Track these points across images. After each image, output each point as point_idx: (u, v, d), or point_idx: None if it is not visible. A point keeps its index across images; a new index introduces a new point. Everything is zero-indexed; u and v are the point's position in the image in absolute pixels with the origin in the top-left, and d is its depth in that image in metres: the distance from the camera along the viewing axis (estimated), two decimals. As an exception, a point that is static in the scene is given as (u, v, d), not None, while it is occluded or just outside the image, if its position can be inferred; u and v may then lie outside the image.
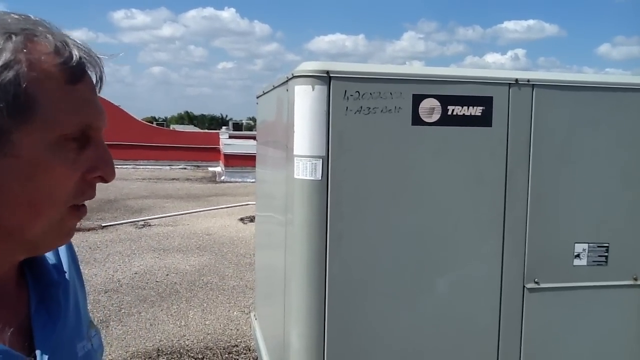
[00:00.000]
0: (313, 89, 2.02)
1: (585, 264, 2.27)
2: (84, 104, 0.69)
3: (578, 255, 2.26)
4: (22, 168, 0.65)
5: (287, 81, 2.21)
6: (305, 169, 2.05)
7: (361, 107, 2.03)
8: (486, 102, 2.12)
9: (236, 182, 15.58)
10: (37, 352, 0.74)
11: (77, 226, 0.74)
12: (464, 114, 2.10)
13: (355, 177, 2.07)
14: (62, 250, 0.88)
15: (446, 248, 2.17)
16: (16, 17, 0.66)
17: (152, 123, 31.37)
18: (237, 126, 40.16)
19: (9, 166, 0.65)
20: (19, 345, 0.73)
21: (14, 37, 0.64)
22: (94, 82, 0.71)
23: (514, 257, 2.20)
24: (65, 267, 0.86)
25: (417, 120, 2.08)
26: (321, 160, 2.04)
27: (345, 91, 2.02)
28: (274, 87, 2.60)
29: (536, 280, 2.23)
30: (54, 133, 0.66)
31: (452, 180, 2.15)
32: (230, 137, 22.96)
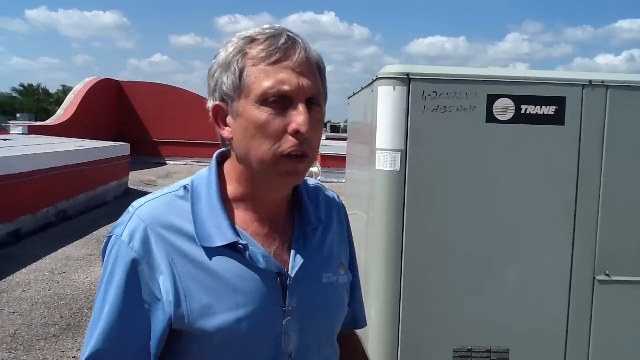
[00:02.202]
0: (394, 90, 2.25)
1: (659, 259, 2.33)
2: (278, 77, 0.98)
3: (651, 251, 2.33)
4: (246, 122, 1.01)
5: (372, 83, 2.46)
6: (386, 161, 2.29)
7: (438, 106, 2.24)
8: (559, 102, 2.25)
9: (332, 182, 16.01)
10: (290, 267, 1.07)
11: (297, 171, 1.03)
12: (537, 113, 2.25)
13: (431, 169, 2.28)
14: (328, 208, 1.22)
15: (517, 238, 2.32)
16: (260, 29, 1.04)
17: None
18: (335, 128, 40.80)
19: (240, 125, 1.02)
20: (280, 258, 1.07)
21: (237, 40, 1.03)
22: (301, 62, 1.00)
23: (585, 250, 2.31)
24: (323, 217, 1.18)
25: (491, 118, 2.25)
26: (400, 153, 2.26)
27: (424, 91, 2.24)
28: (362, 89, 2.85)
29: (607, 272, 2.32)
30: (254, 97, 0.99)
31: (524, 174, 2.30)
32: (328, 138, 23.52)
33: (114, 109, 22.56)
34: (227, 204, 1.07)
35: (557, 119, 2.26)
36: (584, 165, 2.29)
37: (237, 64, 1.00)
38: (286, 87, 0.97)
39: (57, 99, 46.32)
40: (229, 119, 1.05)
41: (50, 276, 6.87)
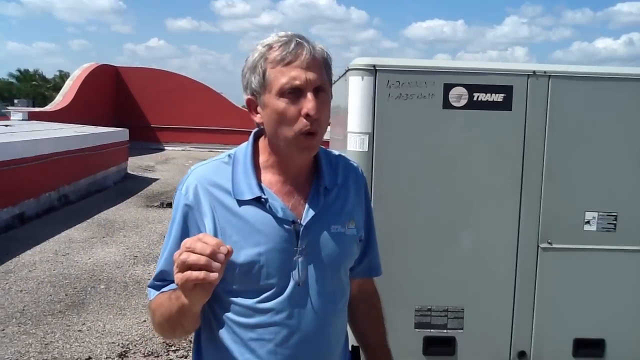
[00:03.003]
0: (363, 79, 2.56)
1: (595, 229, 2.64)
2: (290, 75, 1.34)
3: (588, 222, 2.64)
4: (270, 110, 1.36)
5: (345, 73, 2.76)
6: (355, 143, 2.60)
7: (400, 93, 2.54)
8: (507, 90, 2.56)
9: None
10: (303, 217, 1.43)
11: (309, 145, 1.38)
12: (487, 99, 2.56)
13: (394, 150, 2.59)
14: (346, 174, 1.56)
15: (470, 210, 2.63)
16: (275, 36, 1.39)
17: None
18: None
19: (267, 113, 1.37)
20: (296, 211, 1.43)
21: (260, 47, 1.37)
22: (307, 61, 1.33)
23: (529, 220, 2.63)
24: (339, 181, 1.53)
25: (447, 104, 2.56)
26: (368, 136, 2.57)
27: (388, 81, 2.54)
28: (339, 78, 3.14)
29: (549, 241, 2.64)
30: (275, 91, 1.33)
31: (477, 154, 2.61)
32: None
33: (112, 94, 22.74)
34: (258, 169, 1.44)
35: (505, 105, 2.57)
36: (528, 145, 2.59)
37: (261, 66, 1.36)
38: (297, 82, 1.32)
39: (54, 84, 46.38)
40: (259, 109, 1.41)
41: (54, 257, 7.19)
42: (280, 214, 1.40)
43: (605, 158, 2.63)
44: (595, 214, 2.63)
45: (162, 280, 1.44)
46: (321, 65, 1.38)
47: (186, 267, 1.16)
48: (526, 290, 2.66)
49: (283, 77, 1.33)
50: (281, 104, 1.33)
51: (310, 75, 1.33)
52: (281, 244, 1.39)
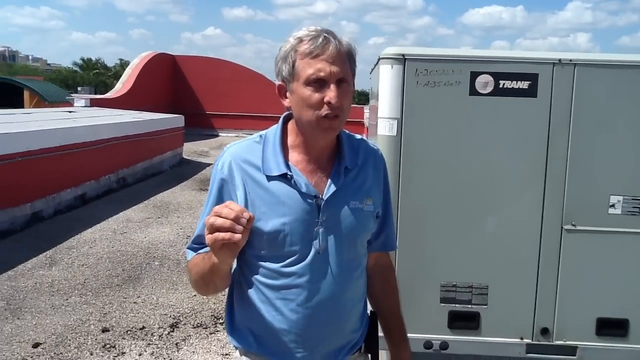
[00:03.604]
0: (392, 68, 2.70)
1: (619, 212, 2.71)
2: (316, 67, 1.53)
3: (613, 205, 2.71)
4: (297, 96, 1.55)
5: (377, 62, 2.91)
6: (385, 127, 2.75)
7: (428, 81, 2.68)
8: (533, 78, 2.65)
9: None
10: (324, 193, 1.62)
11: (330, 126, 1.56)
12: (513, 87, 2.66)
13: (422, 134, 2.73)
14: (366, 156, 1.75)
15: (495, 193, 2.74)
16: (306, 30, 1.58)
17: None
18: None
19: (295, 98, 1.56)
20: (318, 187, 1.63)
21: (292, 40, 1.55)
22: (332, 55, 1.53)
23: (554, 203, 2.72)
24: (360, 162, 1.71)
25: (473, 91, 2.68)
26: (396, 121, 2.72)
27: (416, 69, 2.68)
28: (374, 67, 3.29)
29: (573, 223, 2.73)
30: (302, 80, 1.52)
31: (502, 139, 2.71)
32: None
33: (169, 82, 23.44)
34: (285, 148, 1.65)
35: (531, 92, 2.66)
36: (553, 131, 2.68)
37: (291, 57, 1.56)
38: (322, 74, 1.52)
39: (115, 73, 47.96)
40: (288, 94, 1.61)
41: (112, 235, 7.64)
42: (304, 189, 1.59)
43: (630, 143, 2.68)
44: (621, 198, 2.70)
45: (199, 243, 1.67)
46: (345, 58, 1.56)
47: (214, 229, 1.38)
48: (550, 270, 2.76)
49: (310, 69, 1.52)
50: (307, 91, 1.53)
51: (334, 69, 1.52)
52: (304, 216, 1.59)
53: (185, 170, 13.84)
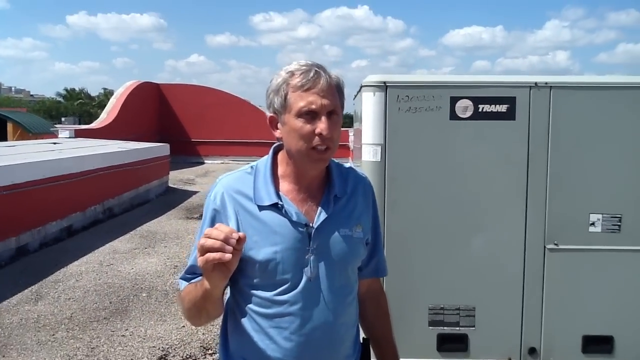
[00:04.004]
0: (374, 95, 2.76)
1: (600, 230, 2.77)
2: (308, 99, 1.56)
3: (593, 224, 2.77)
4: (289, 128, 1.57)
5: (360, 89, 2.97)
6: (369, 153, 2.80)
7: (410, 107, 2.74)
8: (511, 101, 2.73)
9: (362, 177, 16.40)
10: (314, 221, 1.64)
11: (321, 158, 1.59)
12: (492, 110, 2.73)
13: (406, 159, 2.78)
14: (355, 184, 1.78)
15: (479, 214, 2.79)
16: (296, 64, 1.62)
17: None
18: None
19: (286, 130, 1.58)
20: (309, 215, 1.65)
21: (283, 73, 1.58)
22: (323, 88, 1.57)
23: (536, 223, 2.77)
24: (348, 190, 1.75)
25: (454, 116, 2.74)
26: (380, 146, 2.77)
27: (398, 96, 2.74)
28: (357, 94, 3.36)
29: (555, 242, 2.78)
30: (294, 112, 1.55)
31: (483, 161, 2.78)
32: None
33: (154, 111, 23.43)
34: (276, 178, 1.68)
35: (509, 115, 2.73)
36: (532, 152, 2.75)
37: (283, 90, 1.60)
38: (313, 106, 1.56)
39: (99, 102, 47.92)
40: (279, 125, 1.65)
41: (99, 267, 7.55)
42: (294, 218, 1.62)
43: (607, 162, 2.76)
44: (600, 216, 2.76)
45: (192, 273, 1.69)
46: (335, 92, 1.61)
47: (205, 250, 1.41)
48: (535, 289, 2.80)
49: (302, 101, 1.56)
50: (298, 123, 1.57)
51: (325, 101, 1.57)
52: (295, 244, 1.62)
53: (172, 198, 13.78)
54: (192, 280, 1.67)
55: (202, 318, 1.69)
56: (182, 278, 1.72)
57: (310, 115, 1.56)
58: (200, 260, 1.42)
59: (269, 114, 1.67)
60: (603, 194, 2.77)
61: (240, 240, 1.41)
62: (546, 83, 2.72)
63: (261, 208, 1.63)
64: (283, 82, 1.60)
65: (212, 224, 1.64)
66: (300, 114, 1.57)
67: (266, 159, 1.72)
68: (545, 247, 2.78)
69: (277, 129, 1.66)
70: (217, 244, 1.39)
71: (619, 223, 2.76)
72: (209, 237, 1.41)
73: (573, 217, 2.77)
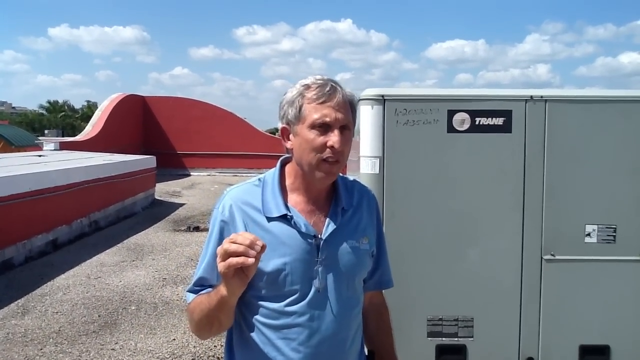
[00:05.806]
0: (372, 108, 2.79)
1: (595, 241, 2.81)
2: (323, 112, 1.60)
3: (589, 234, 2.81)
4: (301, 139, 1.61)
5: (357, 102, 2.99)
6: (367, 166, 2.82)
7: (408, 120, 2.77)
8: (507, 114, 2.77)
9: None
10: (323, 233, 1.67)
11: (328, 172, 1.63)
12: (488, 123, 2.77)
13: (403, 171, 2.81)
14: (360, 197, 1.82)
15: (476, 226, 2.82)
16: (312, 78, 1.66)
17: (275, 134, 33.29)
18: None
19: (298, 140, 1.62)
20: (317, 227, 1.68)
21: (299, 86, 1.63)
22: (338, 103, 1.61)
23: (532, 234, 2.80)
24: (354, 203, 1.78)
25: (451, 129, 2.78)
26: (378, 159, 2.80)
27: (396, 109, 2.77)
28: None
29: (552, 253, 2.81)
30: (307, 123, 1.60)
31: (480, 174, 2.81)
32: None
33: (139, 123, 23.33)
34: (284, 190, 1.71)
35: (506, 128, 2.77)
36: (529, 165, 2.79)
37: (298, 102, 1.64)
38: (327, 119, 1.59)
39: (82, 114, 47.59)
40: (291, 136, 1.67)
41: (87, 280, 7.49)
42: (303, 229, 1.64)
43: (602, 174, 2.80)
44: (595, 227, 2.80)
45: (200, 285, 1.69)
46: (348, 107, 1.64)
47: (228, 254, 1.42)
48: (532, 300, 2.82)
49: (316, 113, 1.59)
50: (311, 134, 1.60)
51: (339, 115, 1.60)
52: (304, 255, 1.63)
53: (158, 211, 13.70)
54: (202, 293, 1.67)
55: (213, 328, 1.69)
56: (190, 290, 1.72)
57: (323, 127, 1.59)
58: (222, 265, 1.43)
59: (281, 125, 1.69)
60: (598, 205, 2.81)
61: (262, 248, 1.43)
62: (541, 96, 2.77)
63: (270, 220, 1.65)
64: (298, 94, 1.63)
65: (221, 235, 1.65)
66: (313, 126, 1.59)
67: (274, 171, 1.74)
68: (542, 257, 2.81)
69: (289, 140, 1.68)
70: (241, 248, 1.40)
71: (614, 234, 2.80)
72: (233, 242, 1.42)
73: (569, 228, 2.81)
